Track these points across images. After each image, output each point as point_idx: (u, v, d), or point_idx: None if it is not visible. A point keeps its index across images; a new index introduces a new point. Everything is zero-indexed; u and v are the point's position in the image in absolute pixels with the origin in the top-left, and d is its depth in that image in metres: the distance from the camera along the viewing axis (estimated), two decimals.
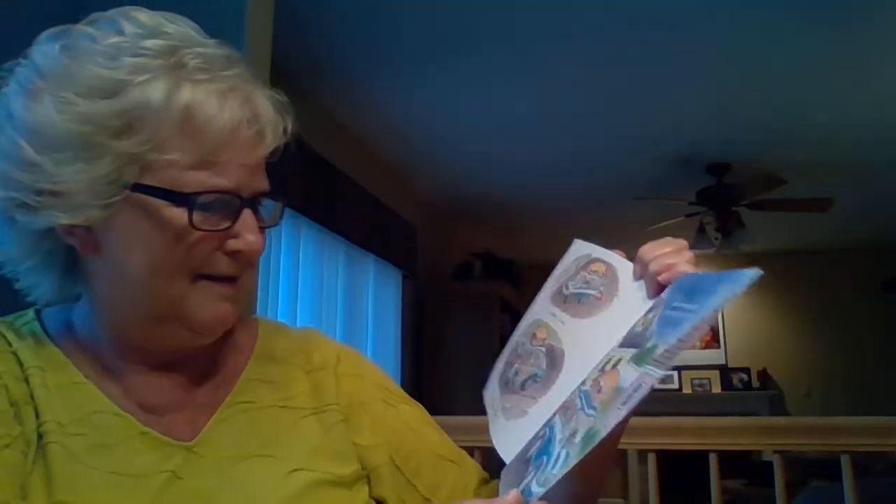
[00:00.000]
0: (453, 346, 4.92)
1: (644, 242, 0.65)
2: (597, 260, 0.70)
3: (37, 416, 0.55)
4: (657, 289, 0.61)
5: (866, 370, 6.01)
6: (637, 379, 0.50)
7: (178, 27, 0.59)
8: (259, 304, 2.51)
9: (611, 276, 0.67)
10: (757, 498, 4.15)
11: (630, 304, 0.63)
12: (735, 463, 4.51)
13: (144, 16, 0.58)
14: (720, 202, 4.25)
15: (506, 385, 0.70)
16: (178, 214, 0.55)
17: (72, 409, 0.57)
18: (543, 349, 0.68)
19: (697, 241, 4.67)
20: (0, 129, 0.56)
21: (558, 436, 0.53)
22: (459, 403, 4.72)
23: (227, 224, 0.57)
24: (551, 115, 3.58)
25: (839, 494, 1.66)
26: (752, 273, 0.51)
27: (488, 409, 0.71)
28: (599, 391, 0.53)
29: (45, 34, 0.59)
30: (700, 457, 1.75)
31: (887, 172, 4.36)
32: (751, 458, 4.71)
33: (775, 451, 1.70)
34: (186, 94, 0.55)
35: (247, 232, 0.59)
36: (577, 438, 0.50)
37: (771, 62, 2.99)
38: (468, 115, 3.58)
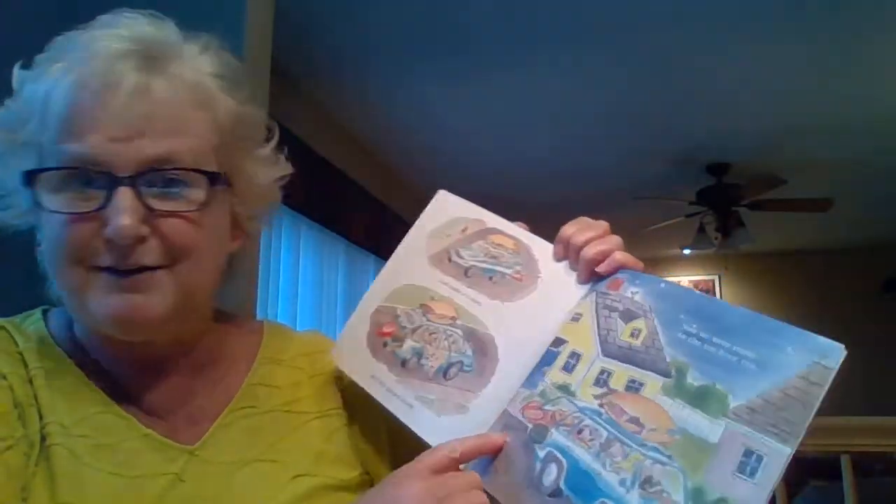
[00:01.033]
0: None
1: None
2: (496, 231, 0.66)
3: (40, 417, 0.55)
4: (590, 276, 0.60)
5: (866, 370, 6.01)
6: (733, 439, 0.46)
7: (139, 20, 0.58)
8: (259, 304, 2.51)
9: (525, 254, 0.63)
10: None
11: (560, 289, 0.60)
12: None
13: (108, 17, 0.59)
14: (720, 202, 4.25)
15: (403, 366, 0.62)
16: (35, 193, 0.54)
17: (75, 411, 0.56)
18: (460, 332, 0.62)
19: (697, 241, 4.68)
20: None
21: (610, 477, 0.48)
22: None
23: (91, 206, 0.52)
24: (551, 115, 3.58)
25: (839, 494, 1.66)
26: (839, 351, 0.48)
27: (370, 382, 0.63)
28: (639, 425, 0.49)
29: None
30: None
31: (887, 172, 4.36)
32: None
33: None
34: (55, 75, 0.54)
35: (114, 215, 0.52)
36: (675, 496, 0.46)
37: (771, 62, 2.99)
38: (468, 116, 3.58)
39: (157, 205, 0.54)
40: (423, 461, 0.51)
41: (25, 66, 0.57)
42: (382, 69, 3.06)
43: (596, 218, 0.64)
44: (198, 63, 0.59)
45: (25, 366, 0.57)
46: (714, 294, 6.63)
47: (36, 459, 0.53)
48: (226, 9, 1.41)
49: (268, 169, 0.66)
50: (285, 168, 0.68)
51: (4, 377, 0.55)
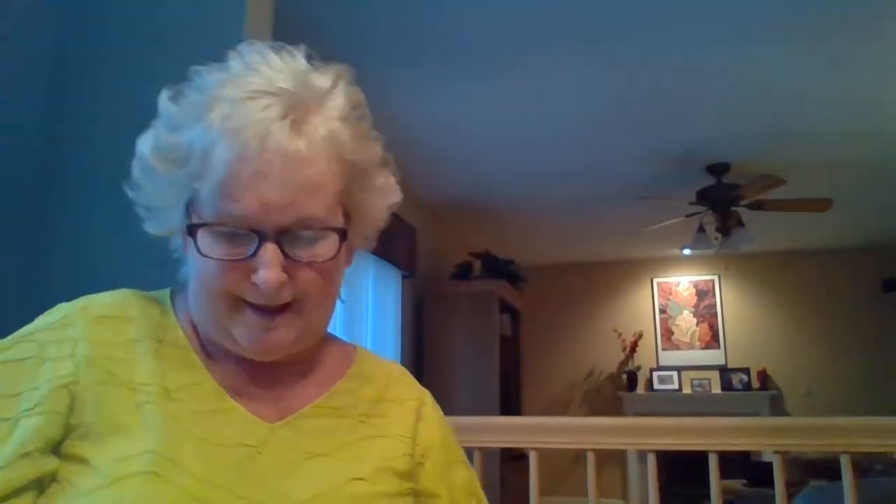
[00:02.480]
0: (453, 346, 4.92)
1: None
2: None
3: (130, 375, 0.63)
4: None
5: (866, 370, 6.01)
6: None
7: (276, 66, 0.64)
8: None
9: None
10: (757, 498, 4.15)
11: None
12: (735, 463, 4.51)
13: (254, 55, 0.65)
14: (720, 202, 4.25)
15: None
16: (195, 240, 0.62)
17: (177, 378, 0.64)
18: None
19: (697, 241, 4.68)
20: None
21: None
22: (459, 403, 4.72)
23: (241, 255, 0.61)
24: (552, 115, 3.58)
25: (839, 494, 1.66)
26: None
27: None
28: None
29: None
30: (700, 457, 1.75)
31: (887, 173, 4.36)
32: (750, 459, 4.71)
33: (775, 451, 1.70)
34: (212, 133, 0.60)
35: (262, 267, 0.61)
36: None
37: (771, 62, 2.99)
38: (468, 115, 3.59)
39: (296, 255, 0.62)
40: None
41: (174, 100, 0.65)
42: (382, 69, 3.07)
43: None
44: (330, 109, 0.65)
45: (124, 332, 0.66)
46: (714, 294, 6.63)
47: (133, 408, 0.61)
48: (226, 9, 1.41)
49: (383, 199, 0.72)
50: (397, 194, 0.74)
51: (75, 343, 0.63)
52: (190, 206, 0.64)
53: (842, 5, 2.55)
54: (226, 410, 0.65)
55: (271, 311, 0.63)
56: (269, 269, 0.60)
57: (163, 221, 0.67)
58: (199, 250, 0.61)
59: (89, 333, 0.64)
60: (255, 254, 0.61)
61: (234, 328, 0.64)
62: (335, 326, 3.56)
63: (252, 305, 0.63)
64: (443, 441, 0.77)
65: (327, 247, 0.64)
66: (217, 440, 0.62)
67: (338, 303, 0.71)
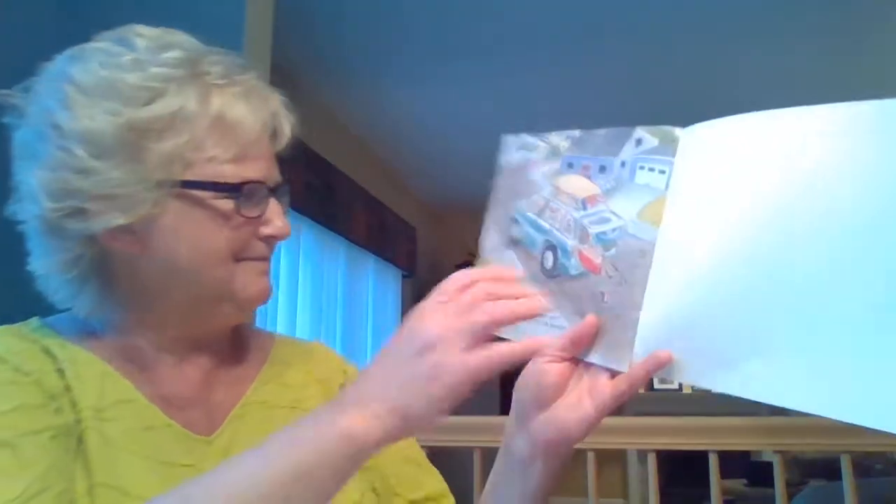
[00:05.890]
0: None
1: None
2: None
3: (73, 405, 0.58)
4: None
5: None
6: None
7: (182, 39, 0.65)
8: None
9: None
10: (757, 498, 4.15)
11: None
12: (735, 463, 4.51)
13: (148, 31, 0.65)
14: None
15: None
16: (225, 203, 0.62)
17: (105, 397, 0.60)
18: None
19: None
20: (48, 143, 0.60)
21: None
22: (459, 403, 4.72)
23: (259, 212, 0.65)
24: (551, 114, 3.58)
25: (839, 494, 1.66)
26: None
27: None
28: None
29: (63, 55, 0.64)
30: (700, 457, 1.75)
31: None
32: (750, 459, 4.71)
33: (775, 451, 1.70)
34: (216, 99, 0.62)
35: (276, 218, 0.67)
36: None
37: (772, 63, 2.99)
38: (468, 115, 3.59)
39: (284, 206, 0.69)
40: (440, 288, 0.61)
41: (127, 70, 0.60)
42: (384, 69, 3.07)
43: None
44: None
45: (54, 357, 0.60)
46: None
47: (75, 446, 0.56)
48: (226, 8, 1.41)
49: None
50: None
51: (27, 374, 0.58)
52: (183, 178, 0.60)
53: (842, 4, 2.55)
54: (161, 427, 0.62)
55: (266, 258, 0.67)
56: (282, 217, 0.67)
57: (130, 206, 0.59)
58: (238, 211, 0.63)
59: None
60: (265, 209, 0.65)
61: (235, 282, 0.65)
62: (336, 327, 3.56)
63: (247, 258, 0.66)
64: None
65: (286, 198, 0.70)
66: (162, 457, 0.60)
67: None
